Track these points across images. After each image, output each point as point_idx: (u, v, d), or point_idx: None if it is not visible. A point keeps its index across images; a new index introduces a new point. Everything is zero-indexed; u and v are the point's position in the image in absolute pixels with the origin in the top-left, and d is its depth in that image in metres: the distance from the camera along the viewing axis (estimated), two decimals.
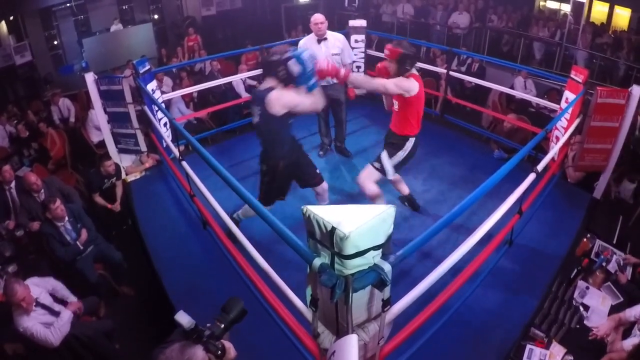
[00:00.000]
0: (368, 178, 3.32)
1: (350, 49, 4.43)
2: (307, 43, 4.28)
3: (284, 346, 2.57)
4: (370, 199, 3.36)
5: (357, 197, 4.08)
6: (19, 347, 3.13)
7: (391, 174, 3.29)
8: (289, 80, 2.89)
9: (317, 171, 3.35)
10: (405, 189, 3.78)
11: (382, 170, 3.28)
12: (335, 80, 4.18)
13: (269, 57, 3.04)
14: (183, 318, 1.64)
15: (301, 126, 5.51)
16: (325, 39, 4.24)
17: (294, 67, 2.84)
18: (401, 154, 3.26)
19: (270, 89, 2.88)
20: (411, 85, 3.05)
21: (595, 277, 3.22)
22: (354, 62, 4.49)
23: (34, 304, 2.93)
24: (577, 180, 4.33)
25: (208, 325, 1.71)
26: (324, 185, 3.41)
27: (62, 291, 3.29)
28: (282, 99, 2.85)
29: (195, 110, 6.21)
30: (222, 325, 1.71)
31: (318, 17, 4.20)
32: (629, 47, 7.66)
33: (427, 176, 4.44)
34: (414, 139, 3.25)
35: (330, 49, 4.24)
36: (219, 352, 1.63)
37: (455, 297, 2.57)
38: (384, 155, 3.28)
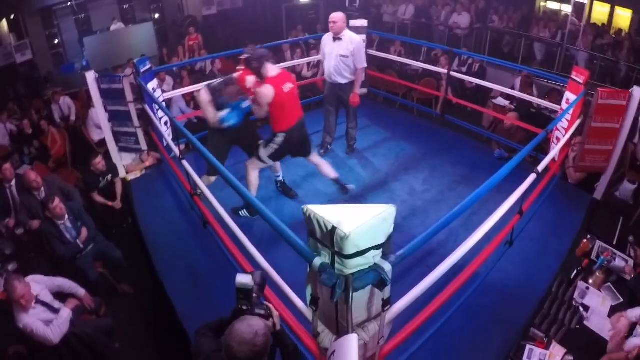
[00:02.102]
0: (251, 165, 3.69)
1: (363, 55, 4.37)
2: (325, 39, 4.44)
3: None
4: (246, 182, 3.71)
5: (358, 197, 4.09)
6: (20, 348, 3.13)
7: (269, 162, 3.65)
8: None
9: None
10: (331, 174, 3.99)
11: (259, 159, 3.61)
12: (344, 81, 4.37)
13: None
14: (244, 278, 1.74)
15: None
16: (340, 39, 4.25)
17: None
18: (273, 146, 3.55)
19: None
20: (266, 93, 3.31)
21: (595, 278, 3.22)
22: (364, 67, 4.45)
23: (34, 301, 2.94)
24: (577, 181, 4.33)
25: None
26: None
27: (69, 286, 3.31)
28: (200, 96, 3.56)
29: (195, 109, 6.20)
30: (255, 295, 1.78)
31: (333, 16, 4.25)
32: (628, 48, 7.65)
33: (427, 176, 4.44)
34: (283, 134, 3.53)
35: (340, 49, 4.26)
36: (268, 312, 1.77)
37: (455, 297, 2.57)
38: (261, 147, 3.61)
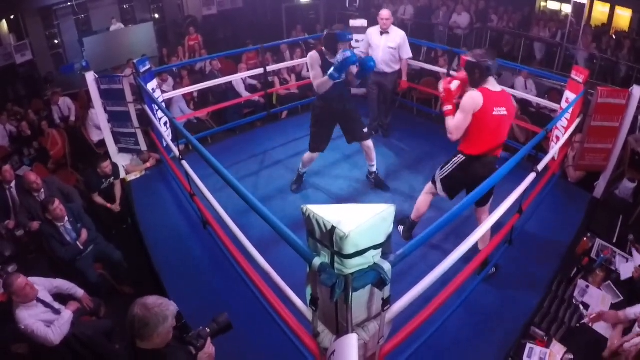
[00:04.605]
0: (426, 190, 3.29)
1: (408, 46, 4.84)
2: (371, 32, 4.87)
3: (284, 346, 2.57)
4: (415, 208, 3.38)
5: (358, 196, 4.09)
6: (22, 347, 3.13)
7: (440, 191, 3.12)
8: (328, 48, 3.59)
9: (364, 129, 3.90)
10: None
11: (434, 183, 3.16)
12: (390, 70, 4.87)
13: None
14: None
15: (302, 127, 5.55)
16: (388, 32, 4.74)
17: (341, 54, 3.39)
18: (448, 167, 3.05)
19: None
20: (472, 99, 2.76)
21: (595, 276, 3.22)
22: (410, 57, 4.97)
23: (36, 294, 2.94)
24: (577, 180, 4.34)
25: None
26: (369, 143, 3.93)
27: (67, 287, 3.30)
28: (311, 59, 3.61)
29: (195, 110, 6.21)
30: (209, 330, 1.96)
31: (384, 13, 4.74)
32: (629, 47, 7.65)
33: (427, 175, 4.39)
34: (463, 157, 2.95)
35: (388, 42, 4.74)
36: (201, 344, 1.91)
37: (454, 297, 2.57)
38: (438, 169, 3.13)
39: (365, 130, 3.91)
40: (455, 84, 2.91)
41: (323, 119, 3.82)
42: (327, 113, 3.78)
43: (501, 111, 2.79)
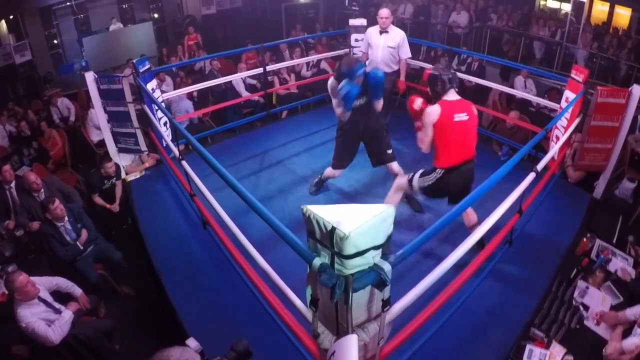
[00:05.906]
0: (398, 187, 3.41)
1: (407, 46, 4.79)
2: (370, 31, 4.85)
3: (284, 346, 2.57)
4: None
5: (357, 197, 4.09)
6: (22, 348, 3.12)
7: (418, 195, 3.29)
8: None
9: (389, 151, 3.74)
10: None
11: (411, 185, 3.26)
12: (389, 70, 4.79)
13: None
14: (192, 343, 1.86)
15: (302, 126, 5.56)
16: (387, 32, 4.71)
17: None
18: (427, 180, 3.17)
19: None
20: (429, 114, 2.98)
21: (595, 277, 3.22)
22: (409, 57, 4.86)
23: (38, 292, 2.94)
24: (577, 180, 4.34)
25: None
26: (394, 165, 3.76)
27: (66, 285, 3.31)
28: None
29: (195, 110, 6.19)
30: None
31: (383, 12, 4.70)
32: (630, 48, 7.65)
33: None
34: (441, 171, 3.09)
35: (387, 41, 4.72)
36: None
37: (455, 297, 2.57)
38: (417, 174, 3.24)
39: (390, 151, 3.73)
40: (417, 103, 3.13)
41: (347, 134, 3.67)
42: (351, 128, 3.63)
43: (462, 117, 2.98)
